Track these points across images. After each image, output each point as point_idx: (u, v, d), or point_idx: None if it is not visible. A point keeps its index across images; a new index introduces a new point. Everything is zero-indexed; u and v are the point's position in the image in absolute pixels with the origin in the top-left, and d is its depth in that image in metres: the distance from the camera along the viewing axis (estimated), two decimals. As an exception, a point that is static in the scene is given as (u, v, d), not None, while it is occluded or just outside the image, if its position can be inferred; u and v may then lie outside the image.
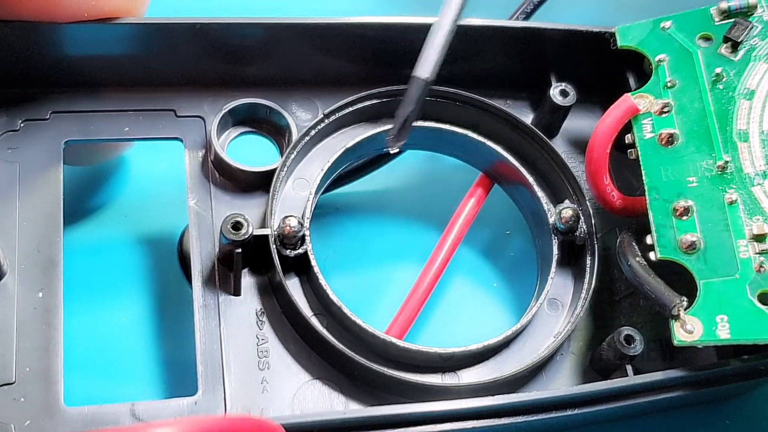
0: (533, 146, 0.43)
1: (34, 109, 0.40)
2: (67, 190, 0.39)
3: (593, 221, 0.41)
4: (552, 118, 0.44)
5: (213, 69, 0.41)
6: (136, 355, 0.40)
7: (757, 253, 0.36)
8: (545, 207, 0.42)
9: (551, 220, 0.41)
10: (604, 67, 0.44)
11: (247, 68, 0.42)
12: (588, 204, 0.41)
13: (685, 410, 0.42)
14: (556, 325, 0.40)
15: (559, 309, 0.41)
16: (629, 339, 0.38)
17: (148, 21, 0.39)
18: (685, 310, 0.35)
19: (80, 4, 0.37)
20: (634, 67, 0.43)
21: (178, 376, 0.39)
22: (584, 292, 0.40)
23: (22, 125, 0.40)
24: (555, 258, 0.41)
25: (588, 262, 0.41)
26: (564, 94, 0.43)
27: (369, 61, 0.42)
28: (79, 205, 0.43)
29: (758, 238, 0.36)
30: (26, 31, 0.38)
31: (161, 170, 0.43)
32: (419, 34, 0.39)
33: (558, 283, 0.41)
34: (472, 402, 0.34)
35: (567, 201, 0.41)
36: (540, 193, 0.42)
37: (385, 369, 0.37)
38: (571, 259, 0.42)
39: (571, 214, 0.41)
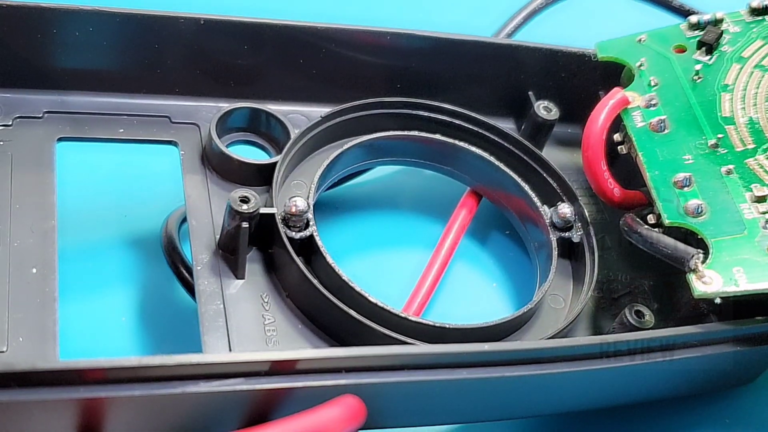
0: (522, 156, 0.43)
1: (27, 108, 0.39)
2: (66, 191, 0.38)
3: (588, 220, 0.42)
4: (536, 134, 0.45)
5: (209, 76, 0.42)
6: (137, 354, 0.37)
7: (761, 213, 0.37)
8: (540, 209, 0.42)
9: (547, 219, 0.42)
10: (581, 88, 0.46)
11: (245, 76, 0.42)
12: (582, 207, 0.42)
13: (683, 407, 0.41)
14: (557, 321, 0.40)
15: (561, 304, 0.40)
16: (639, 314, 0.38)
17: (146, 12, 0.39)
18: (702, 263, 0.35)
19: None
20: (610, 87, 0.45)
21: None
22: (585, 284, 0.40)
23: (14, 121, 0.39)
24: (554, 253, 0.41)
25: (587, 257, 0.41)
26: (548, 109, 0.45)
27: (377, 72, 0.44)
28: (78, 207, 0.42)
29: (759, 199, 0.37)
30: (21, 31, 0.38)
31: (161, 170, 0.42)
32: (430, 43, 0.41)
33: (558, 279, 0.41)
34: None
35: (560, 203, 0.42)
36: (535, 198, 0.42)
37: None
38: (571, 256, 0.42)
39: (568, 209, 0.41)
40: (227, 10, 0.41)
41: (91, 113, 0.40)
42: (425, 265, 0.41)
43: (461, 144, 0.43)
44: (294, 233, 0.37)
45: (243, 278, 0.37)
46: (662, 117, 0.40)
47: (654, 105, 0.41)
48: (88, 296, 0.39)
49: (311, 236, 0.37)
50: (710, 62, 0.42)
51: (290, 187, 0.40)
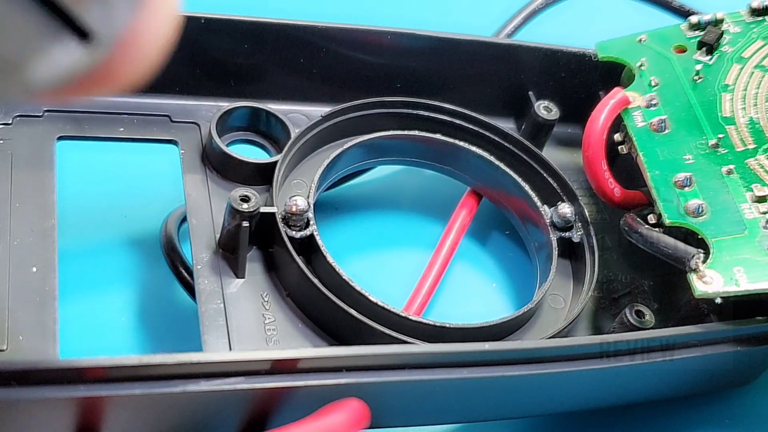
0: (522, 156, 0.43)
1: (27, 106, 0.39)
2: (66, 190, 0.38)
3: (588, 220, 0.42)
4: (536, 134, 0.45)
5: (209, 75, 0.42)
6: (137, 354, 0.37)
7: (762, 213, 0.37)
8: (540, 209, 0.42)
9: (548, 219, 0.42)
10: (582, 88, 0.46)
11: (245, 75, 0.42)
12: (582, 207, 0.42)
13: (683, 407, 0.41)
14: (557, 321, 0.40)
15: (561, 304, 0.40)
16: (640, 313, 0.38)
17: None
18: (702, 263, 0.35)
19: None
20: (610, 87, 0.45)
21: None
22: (586, 284, 0.40)
23: (14, 120, 0.39)
24: (555, 253, 0.41)
25: (587, 257, 0.41)
26: (548, 109, 0.45)
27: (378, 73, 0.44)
28: (78, 206, 0.42)
29: (760, 199, 0.37)
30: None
31: (161, 170, 0.42)
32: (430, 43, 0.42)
33: (558, 279, 0.41)
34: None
35: (560, 203, 0.42)
36: (535, 198, 0.42)
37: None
38: (571, 256, 0.42)
39: (568, 209, 0.41)
40: (227, 9, 0.41)
41: (91, 112, 0.40)
42: (425, 265, 0.41)
43: (461, 144, 0.43)
44: (294, 232, 0.37)
45: (243, 277, 0.37)
46: (663, 117, 0.40)
47: (654, 105, 0.41)
48: (88, 296, 0.39)
49: (311, 235, 0.37)
50: (711, 62, 0.42)
51: (290, 186, 0.40)
